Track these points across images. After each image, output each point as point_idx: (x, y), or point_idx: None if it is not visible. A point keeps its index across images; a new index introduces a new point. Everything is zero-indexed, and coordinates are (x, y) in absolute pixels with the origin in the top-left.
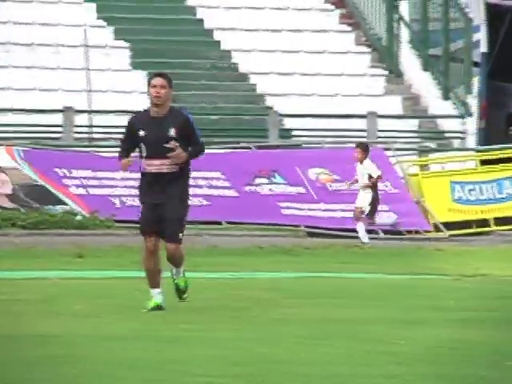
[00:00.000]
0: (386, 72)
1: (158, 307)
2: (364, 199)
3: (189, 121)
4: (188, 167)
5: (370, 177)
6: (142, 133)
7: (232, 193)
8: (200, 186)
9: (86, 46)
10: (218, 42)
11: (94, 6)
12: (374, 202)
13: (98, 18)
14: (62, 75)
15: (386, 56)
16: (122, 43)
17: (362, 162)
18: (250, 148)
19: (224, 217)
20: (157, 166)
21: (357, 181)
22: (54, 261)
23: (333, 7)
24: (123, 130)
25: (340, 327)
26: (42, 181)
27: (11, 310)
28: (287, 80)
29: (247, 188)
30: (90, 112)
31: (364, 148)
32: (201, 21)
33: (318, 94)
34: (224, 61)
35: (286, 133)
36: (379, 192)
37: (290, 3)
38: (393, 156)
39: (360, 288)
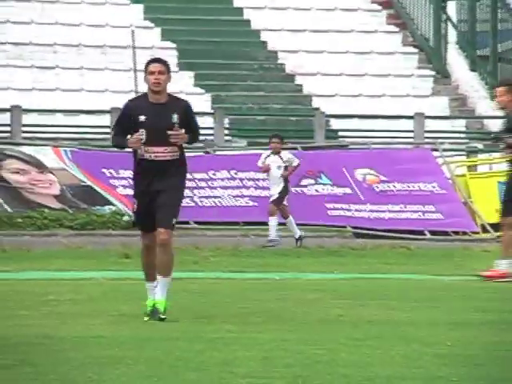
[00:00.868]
0: (434, 72)
1: (155, 309)
2: (276, 190)
3: (190, 107)
4: (184, 156)
5: (286, 168)
6: (142, 118)
7: None
8: (247, 187)
9: (133, 47)
10: (265, 43)
11: (141, 7)
12: (284, 193)
13: (145, 19)
14: (110, 76)
15: (433, 56)
16: (168, 44)
17: (278, 153)
18: (297, 149)
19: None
20: (159, 152)
21: (268, 170)
22: (101, 261)
23: (380, 8)
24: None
25: (383, 328)
26: (90, 181)
27: (57, 310)
28: (334, 81)
29: (293, 189)
30: None
31: (281, 139)
32: (248, 21)
33: (365, 94)
34: (270, 61)
35: (332, 134)
36: (425, 193)
37: (337, 4)
38: (440, 157)
39: (406, 289)
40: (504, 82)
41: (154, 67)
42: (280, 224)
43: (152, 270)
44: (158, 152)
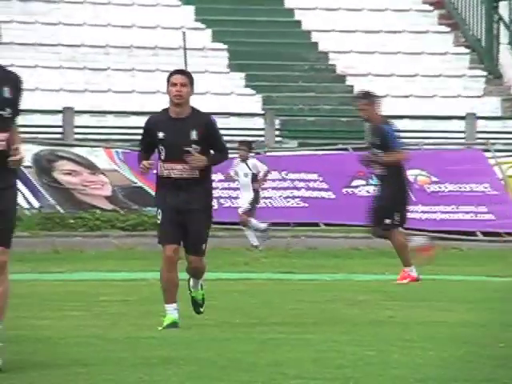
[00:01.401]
0: (485, 73)
1: (174, 324)
2: (246, 199)
3: (212, 123)
4: (210, 173)
5: (255, 175)
6: (161, 134)
7: (329, 194)
8: (298, 188)
9: (185, 48)
10: (316, 44)
11: (192, 8)
12: (255, 202)
13: (196, 21)
14: (161, 78)
15: (485, 57)
16: (219, 45)
17: (244, 161)
18: (348, 149)
19: (321, 218)
20: (177, 170)
21: (231, 176)
22: (152, 262)
23: (431, 8)
24: (222, 131)
25: (435, 330)
26: (141, 182)
27: (109, 311)
28: (385, 81)
29: (344, 190)
30: None
31: (248, 146)
32: (299, 22)
33: (416, 95)
34: (321, 62)
35: None
36: (477, 194)
37: (388, 4)
38: (492, 157)
39: (458, 290)
40: (363, 95)
41: (176, 79)
42: (278, 224)
43: (173, 289)
44: (176, 169)
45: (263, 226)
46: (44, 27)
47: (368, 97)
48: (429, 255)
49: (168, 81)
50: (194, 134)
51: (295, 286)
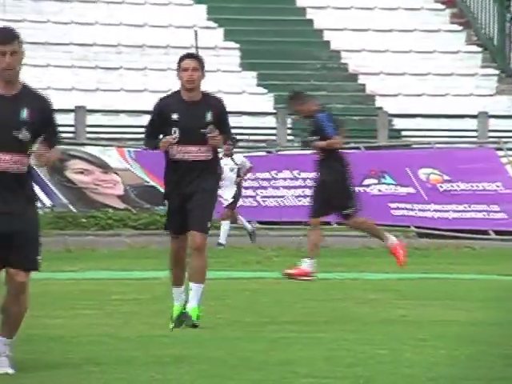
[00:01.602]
0: (498, 71)
1: (184, 315)
2: (230, 194)
3: (224, 106)
4: (218, 157)
5: (239, 171)
6: (175, 116)
7: None
8: (310, 187)
9: (197, 47)
10: (328, 43)
11: (204, 7)
12: (237, 197)
13: (208, 20)
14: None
15: (497, 55)
16: (231, 44)
17: (230, 156)
18: (360, 148)
19: (333, 217)
20: (193, 152)
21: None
22: (165, 261)
23: (443, 6)
24: (234, 130)
25: (448, 329)
26: (153, 181)
27: (121, 309)
28: (397, 80)
29: (356, 188)
30: None
31: (234, 141)
32: (310, 21)
33: (428, 93)
34: (333, 61)
35: (395, 133)
36: (489, 193)
37: (400, 3)
38: (504, 156)
39: (470, 289)
40: (293, 96)
41: (187, 63)
42: (290, 223)
43: (181, 274)
44: (191, 152)
45: (250, 227)
46: (56, 26)
47: (298, 97)
48: (401, 255)
49: (178, 65)
50: (208, 116)
51: (306, 285)
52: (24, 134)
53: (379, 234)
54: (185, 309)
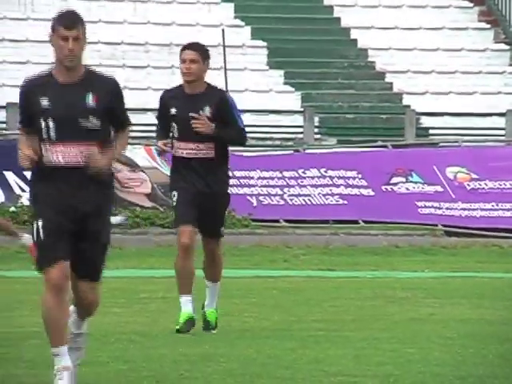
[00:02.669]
0: None
1: (191, 320)
2: None
3: (227, 99)
4: (226, 156)
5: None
6: (173, 110)
7: (369, 192)
8: (337, 185)
9: (224, 45)
10: (355, 41)
11: (231, 5)
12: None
13: (236, 18)
14: None
15: None
16: (259, 43)
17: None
18: (387, 147)
19: (361, 216)
20: (190, 149)
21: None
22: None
23: (471, 4)
24: (262, 129)
25: (476, 327)
26: None
27: (149, 308)
28: (425, 78)
29: (384, 187)
30: None
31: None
32: (338, 19)
33: (456, 91)
34: (361, 59)
35: (423, 131)
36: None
37: (428, 1)
38: None
39: (498, 288)
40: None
41: (185, 55)
42: (317, 221)
43: (188, 280)
44: (189, 149)
45: (119, 219)
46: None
47: None
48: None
49: (180, 55)
50: (206, 111)
51: (334, 284)
52: (93, 123)
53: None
54: (203, 313)
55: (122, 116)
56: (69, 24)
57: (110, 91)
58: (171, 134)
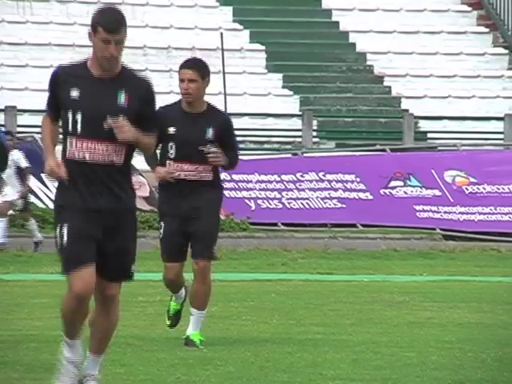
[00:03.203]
0: None
1: (189, 342)
2: (12, 190)
3: (230, 123)
4: (219, 177)
5: (19, 168)
6: (172, 130)
7: (367, 195)
8: (335, 189)
9: (222, 49)
10: (354, 45)
11: (230, 9)
12: (25, 197)
13: (234, 22)
14: None
15: None
16: (257, 46)
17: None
18: (385, 150)
19: (359, 219)
20: (189, 171)
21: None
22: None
23: (470, 8)
24: (260, 132)
25: (474, 331)
26: None
27: (147, 311)
28: (423, 82)
29: (382, 191)
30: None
31: (11, 134)
32: (336, 23)
33: (454, 95)
34: (359, 63)
35: (421, 135)
36: None
37: (427, 5)
38: None
39: (497, 292)
40: None
41: (184, 74)
42: (316, 225)
43: (178, 288)
44: (187, 171)
45: (39, 236)
46: (83, 28)
47: None
48: None
49: (179, 73)
50: (209, 133)
51: (333, 287)
52: None
53: None
54: (180, 310)
55: (150, 120)
56: (112, 28)
57: (143, 93)
58: (164, 153)
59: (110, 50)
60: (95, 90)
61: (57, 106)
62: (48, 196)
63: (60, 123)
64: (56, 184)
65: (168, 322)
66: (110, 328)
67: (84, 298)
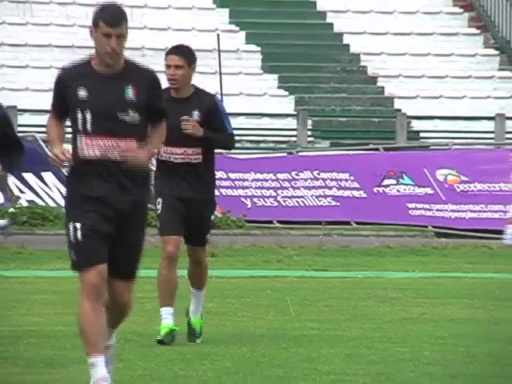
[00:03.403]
0: None
1: (172, 332)
2: None
3: (217, 105)
4: (212, 160)
5: None
6: None
7: (361, 194)
8: (330, 187)
9: (219, 50)
10: (348, 46)
11: (226, 11)
12: None
13: (230, 23)
14: (196, 79)
15: None
16: (253, 47)
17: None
18: (379, 149)
19: (353, 217)
20: (177, 154)
21: None
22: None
23: (461, 10)
24: (256, 132)
25: (466, 327)
26: None
27: (145, 307)
28: (415, 83)
29: (375, 189)
30: None
31: None
32: (330, 25)
33: (446, 96)
34: (353, 64)
35: (414, 135)
36: (506, 193)
37: (419, 7)
38: None
39: (488, 288)
40: None
41: (170, 60)
42: (310, 222)
43: (171, 292)
44: (176, 154)
45: (3, 222)
46: (82, 30)
47: None
48: None
49: (166, 58)
50: (195, 115)
51: (327, 284)
52: (131, 116)
53: None
54: (174, 330)
55: (159, 109)
56: (113, 21)
57: (150, 84)
58: None
59: (111, 44)
60: (102, 88)
61: (62, 108)
62: (48, 194)
63: (69, 123)
64: (65, 180)
65: (159, 337)
66: (123, 314)
67: (97, 289)
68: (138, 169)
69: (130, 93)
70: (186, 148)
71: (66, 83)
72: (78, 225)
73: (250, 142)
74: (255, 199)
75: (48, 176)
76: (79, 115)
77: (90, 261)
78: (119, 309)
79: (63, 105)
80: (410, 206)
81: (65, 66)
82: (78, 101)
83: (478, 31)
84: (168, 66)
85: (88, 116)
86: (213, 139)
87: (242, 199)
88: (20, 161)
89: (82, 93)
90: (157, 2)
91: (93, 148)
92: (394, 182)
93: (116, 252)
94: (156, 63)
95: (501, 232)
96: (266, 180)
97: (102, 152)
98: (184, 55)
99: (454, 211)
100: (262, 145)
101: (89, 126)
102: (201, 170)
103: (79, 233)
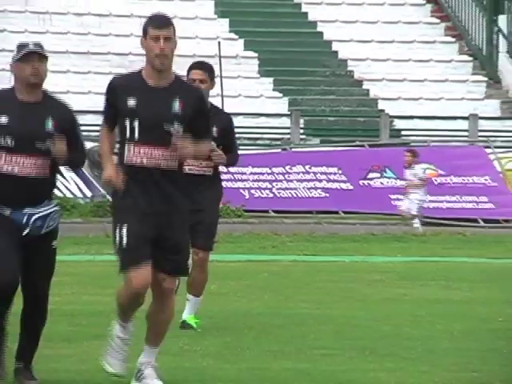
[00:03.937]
0: (486, 78)
1: (185, 325)
2: None
3: (233, 124)
4: (219, 172)
5: None
6: (132, 103)
7: (348, 186)
8: (320, 180)
9: (220, 56)
10: (336, 52)
11: (226, 21)
12: None
13: (230, 32)
14: None
15: (486, 64)
16: (251, 53)
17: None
18: (364, 146)
19: (341, 207)
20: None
21: None
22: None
23: (438, 21)
24: (253, 130)
25: (443, 306)
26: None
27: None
28: (397, 86)
29: (361, 182)
30: None
31: None
32: (320, 33)
33: (425, 97)
34: (341, 69)
35: (395, 133)
36: (478, 186)
37: (401, 17)
38: (492, 153)
39: (463, 271)
40: None
41: (195, 74)
42: (303, 212)
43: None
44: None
45: None
46: (96, 38)
47: None
48: None
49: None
50: (213, 131)
51: (318, 268)
52: (176, 128)
53: None
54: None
55: (204, 129)
56: (160, 24)
57: (197, 103)
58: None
59: (160, 45)
60: (151, 99)
61: (113, 116)
62: (66, 186)
63: (117, 130)
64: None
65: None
66: (166, 321)
67: (141, 294)
68: (179, 177)
69: (176, 106)
70: (166, 149)
71: (117, 91)
72: (125, 229)
73: (248, 139)
74: (252, 191)
75: (65, 169)
76: (128, 123)
77: (135, 261)
78: (164, 301)
79: (115, 113)
80: (393, 197)
81: (115, 77)
82: (128, 109)
83: (453, 39)
84: (193, 80)
85: (136, 125)
86: (227, 163)
87: (241, 191)
88: (84, 161)
89: (132, 102)
90: (162, 12)
91: (139, 155)
92: (378, 175)
93: (162, 253)
94: None
95: (474, 221)
96: (263, 174)
97: (148, 160)
98: (208, 70)
99: (432, 202)
100: (258, 142)
101: (136, 135)
102: (211, 181)
103: (126, 236)
